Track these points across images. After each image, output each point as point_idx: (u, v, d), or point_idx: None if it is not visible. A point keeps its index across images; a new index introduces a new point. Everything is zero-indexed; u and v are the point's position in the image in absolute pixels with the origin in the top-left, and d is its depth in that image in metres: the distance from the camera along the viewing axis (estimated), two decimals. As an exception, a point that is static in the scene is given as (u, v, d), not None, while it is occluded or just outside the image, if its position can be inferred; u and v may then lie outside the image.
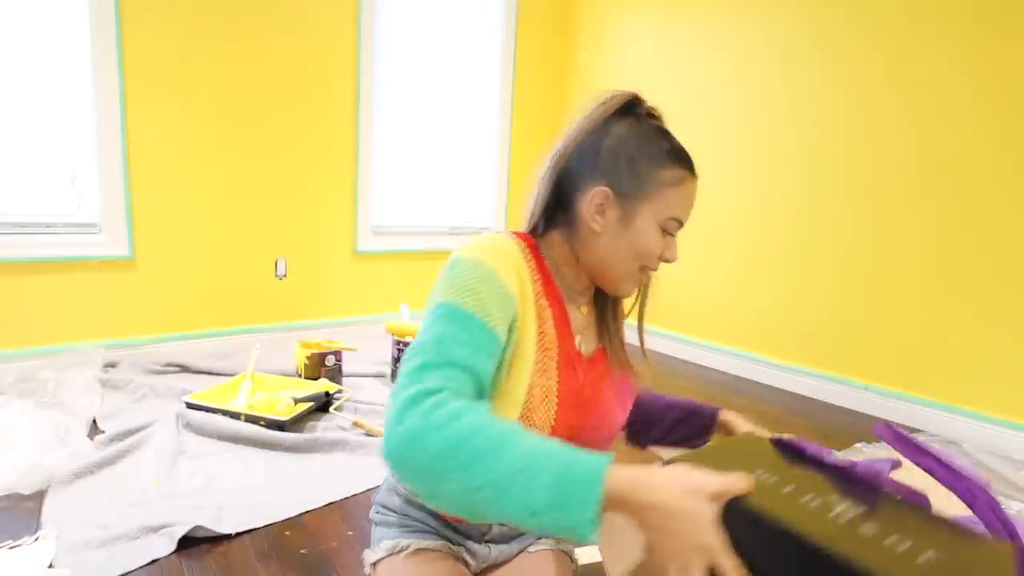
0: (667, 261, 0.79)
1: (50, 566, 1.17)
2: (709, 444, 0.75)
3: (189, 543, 1.27)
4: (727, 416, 0.90)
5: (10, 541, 1.24)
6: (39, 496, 1.41)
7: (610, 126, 0.77)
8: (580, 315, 0.83)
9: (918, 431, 2.18)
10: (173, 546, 1.25)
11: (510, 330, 0.70)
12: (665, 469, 0.51)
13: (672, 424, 0.95)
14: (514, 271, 0.72)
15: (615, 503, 0.49)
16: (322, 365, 2.27)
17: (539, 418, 0.73)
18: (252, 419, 1.84)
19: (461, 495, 0.51)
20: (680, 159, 0.77)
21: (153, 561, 1.21)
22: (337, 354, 2.32)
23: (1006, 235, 2.01)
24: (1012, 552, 0.49)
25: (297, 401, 1.95)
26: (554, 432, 0.75)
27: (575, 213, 0.77)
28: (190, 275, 2.52)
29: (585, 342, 0.83)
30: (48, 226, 2.22)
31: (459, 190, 3.32)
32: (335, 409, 2.01)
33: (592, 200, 0.75)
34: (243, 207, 2.62)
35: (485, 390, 0.64)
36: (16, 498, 1.40)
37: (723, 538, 0.48)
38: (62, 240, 2.23)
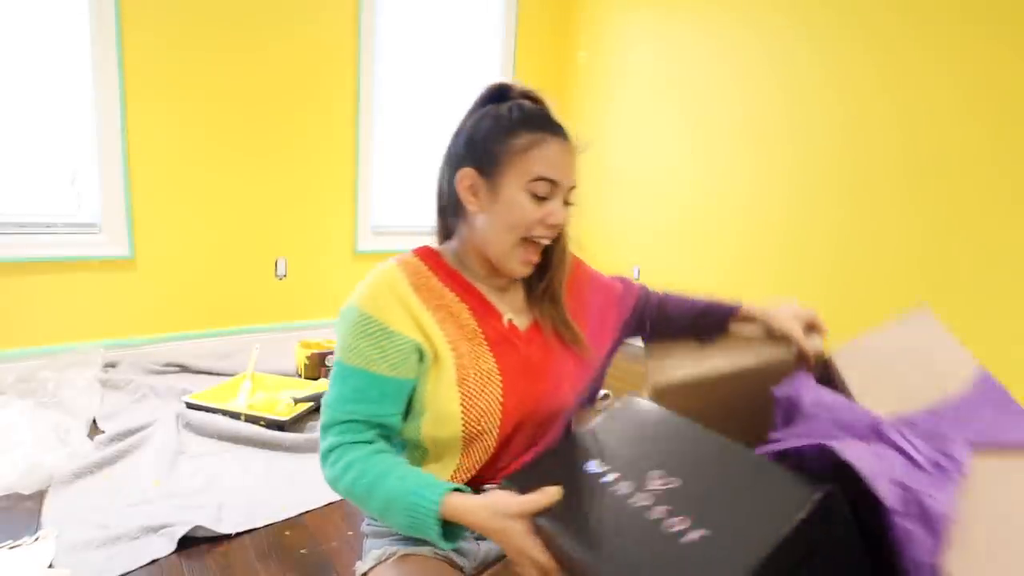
0: (552, 227, 0.77)
1: (50, 566, 1.17)
2: (540, 457, 0.75)
3: (189, 543, 1.27)
4: (747, 311, 0.92)
5: (10, 541, 1.24)
6: (39, 496, 1.41)
7: (475, 115, 0.80)
8: (503, 295, 0.85)
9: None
10: (173, 546, 1.25)
11: (419, 352, 0.76)
12: (485, 496, 0.66)
13: (689, 325, 0.97)
14: (398, 307, 0.76)
15: (454, 523, 0.66)
16: (322, 365, 2.27)
17: (485, 401, 0.76)
18: (252, 419, 1.84)
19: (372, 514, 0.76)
20: (532, 123, 0.76)
21: (153, 561, 1.22)
22: (337, 354, 2.32)
23: (1003, 235, 2.01)
24: (812, 501, 0.51)
25: (297, 401, 1.95)
26: (506, 407, 0.77)
27: (460, 203, 0.80)
28: (190, 275, 2.52)
29: (521, 318, 0.85)
30: (48, 226, 2.22)
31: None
32: (335, 409, 2.01)
33: (462, 184, 0.78)
34: (243, 207, 2.62)
35: (388, 424, 0.77)
36: (16, 498, 1.41)
37: (537, 542, 0.61)
38: (62, 240, 2.23)
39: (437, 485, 0.68)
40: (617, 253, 3.29)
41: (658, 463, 0.63)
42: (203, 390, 2.01)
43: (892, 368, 0.77)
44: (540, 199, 0.76)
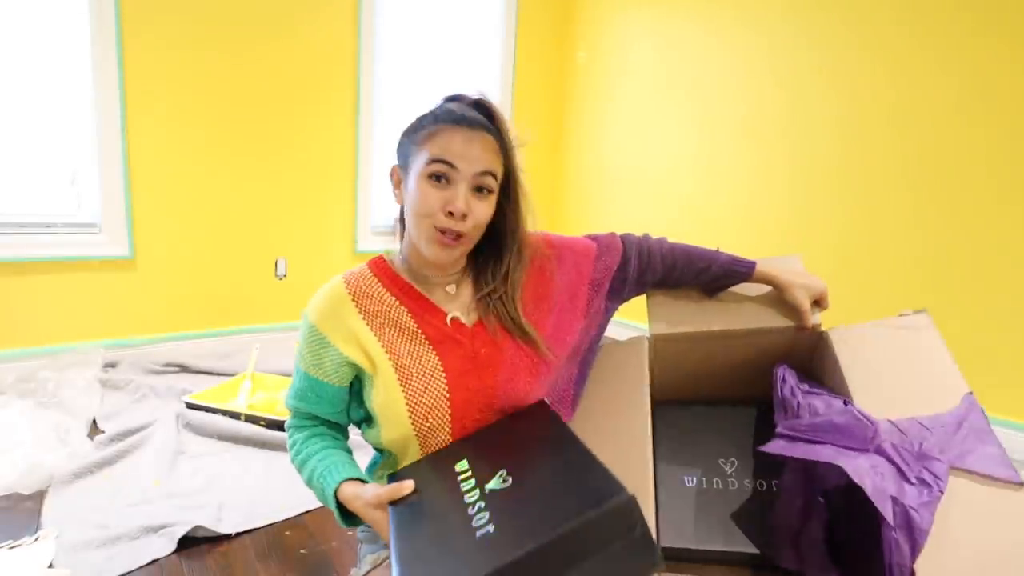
0: (455, 215, 0.75)
1: (50, 566, 1.17)
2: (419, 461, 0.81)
3: (189, 543, 1.27)
4: (762, 274, 0.94)
5: (10, 541, 1.24)
6: (39, 496, 1.41)
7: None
8: (448, 295, 0.85)
9: (918, 431, 2.18)
10: (173, 546, 1.25)
11: (353, 366, 0.82)
12: (365, 486, 0.75)
13: (700, 284, 0.98)
14: (335, 316, 0.82)
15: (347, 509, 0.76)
16: (322, 365, 2.27)
17: (430, 398, 0.78)
18: (252, 419, 1.84)
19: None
20: (441, 118, 0.78)
21: (153, 561, 1.22)
22: (337, 354, 2.32)
23: (1005, 235, 2.01)
24: (599, 506, 0.52)
25: (297, 401, 1.95)
26: (453, 402, 0.78)
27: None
28: (190, 275, 2.52)
29: (467, 315, 0.84)
30: (48, 226, 2.22)
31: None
32: (335, 409, 2.01)
33: (392, 180, 0.85)
34: (243, 207, 2.62)
35: (327, 420, 0.88)
36: (16, 498, 1.41)
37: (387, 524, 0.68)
38: (62, 240, 2.23)
39: (338, 473, 0.78)
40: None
41: (505, 465, 0.67)
42: (203, 390, 2.01)
43: (889, 369, 0.84)
44: (440, 185, 0.76)
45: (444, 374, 0.79)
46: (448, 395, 0.78)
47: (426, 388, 0.78)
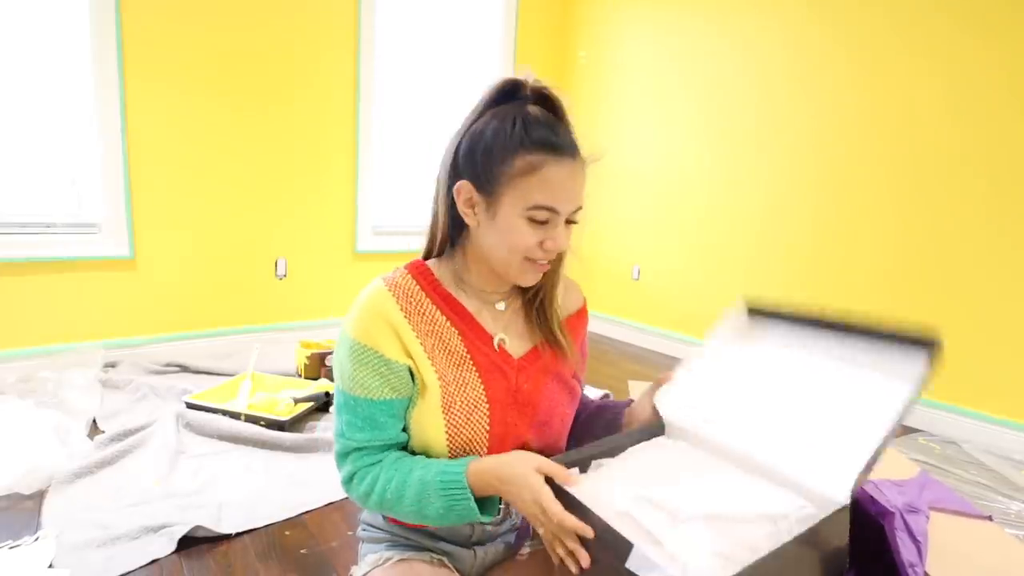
0: (550, 252, 0.74)
1: (50, 566, 1.17)
2: None
3: (189, 543, 1.27)
4: (635, 406, 0.88)
5: (10, 541, 1.24)
6: (39, 496, 1.41)
7: (480, 118, 0.75)
8: (498, 312, 0.82)
9: (918, 431, 2.18)
10: (173, 546, 1.25)
11: (411, 373, 0.76)
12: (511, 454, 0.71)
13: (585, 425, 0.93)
14: (387, 332, 0.75)
15: (481, 491, 0.70)
16: (322, 365, 2.27)
17: (471, 430, 0.76)
18: (252, 419, 1.84)
19: (403, 518, 0.77)
20: (538, 143, 0.70)
21: (153, 561, 1.21)
22: (337, 354, 2.32)
23: (1006, 235, 2.01)
24: None
25: (297, 401, 1.95)
26: (492, 436, 0.76)
27: (459, 213, 0.76)
28: (190, 275, 2.52)
29: (512, 340, 0.82)
30: (48, 226, 2.22)
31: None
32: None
33: (460, 196, 0.75)
34: (243, 207, 2.62)
35: (397, 442, 0.79)
36: (16, 498, 1.40)
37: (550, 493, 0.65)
38: (62, 240, 2.23)
39: (460, 461, 0.72)
40: (617, 253, 3.29)
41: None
42: (203, 390, 2.01)
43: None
44: (539, 224, 0.72)
45: (488, 405, 0.77)
46: (488, 428, 0.77)
47: (468, 419, 0.76)
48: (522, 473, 0.67)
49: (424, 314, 0.77)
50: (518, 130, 0.71)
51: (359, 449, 0.77)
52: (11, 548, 1.22)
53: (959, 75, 2.08)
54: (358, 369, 0.75)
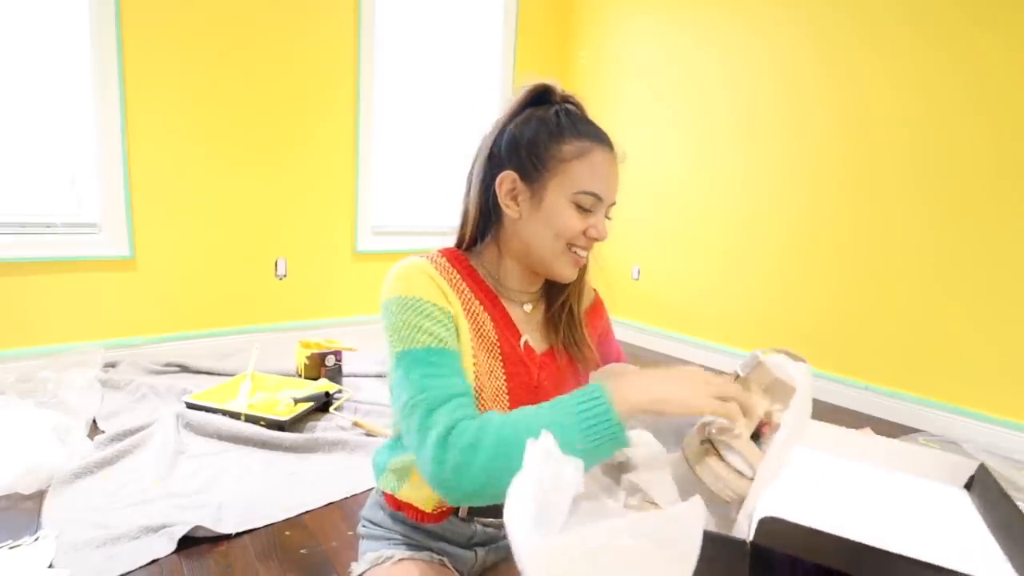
0: (593, 239, 0.76)
1: (50, 566, 1.17)
2: None
3: (189, 543, 1.27)
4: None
5: (10, 541, 1.24)
6: (39, 496, 1.41)
7: (517, 117, 0.78)
8: (524, 313, 0.83)
9: (918, 431, 2.18)
10: (173, 546, 1.25)
11: (458, 333, 0.74)
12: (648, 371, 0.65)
13: None
14: (433, 286, 0.74)
15: (629, 412, 0.59)
16: (322, 365, 2.27)
17: None
18: (252, 419, 1.84)
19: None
20: (581, 132, 0.74)
21: (153, 561, 1.21)
22: (337, 354, 2.32)
23: (1006, 236, 2.01)
24: None
25: (297, 401, 1.95)
26: None
27: (496, 207, 0.78)
28: (190, 275, 2.52)
29: (536, 340, 0.83)
30: (48, 226, 2.22)
31: (459, 190, 3.31)
32: (335, 409, 2.01)
33: (502, 187, 0.76)
34: (243, 207, 2.62)
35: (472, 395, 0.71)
36: (16, 498, 1.40)
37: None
38: (62, 240, 2.23)
39: (590, 386, 0.62)
40: (617, 253, 3.29)
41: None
42: (203, 390, 2.01)
43: None
44: (584, 211, 0.74)
45: (508, 397, 0.77)
46: None
47: (490, 406, 0.76)
48: (679, 369, 0.62)
49: (461, 291, 0.77)
50: (564, 120, 0.75)
51: (450, 400, 0.65)
52: (11, 548, 1.22)
53: (970, 75, 2.08)
54: (420, 319, 0.70)
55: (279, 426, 1.82)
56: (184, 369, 2.33)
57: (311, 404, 1.96)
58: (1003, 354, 2.03)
